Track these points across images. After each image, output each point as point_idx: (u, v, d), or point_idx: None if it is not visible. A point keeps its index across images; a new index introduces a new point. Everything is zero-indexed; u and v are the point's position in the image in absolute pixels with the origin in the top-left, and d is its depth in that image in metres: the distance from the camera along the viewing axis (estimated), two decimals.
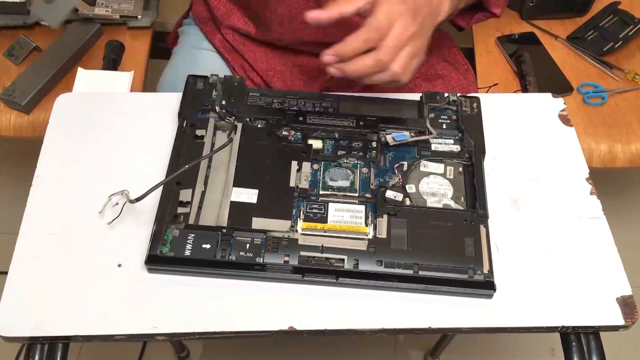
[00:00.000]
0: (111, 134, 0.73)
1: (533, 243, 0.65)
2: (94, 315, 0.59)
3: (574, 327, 0.61)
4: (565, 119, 0.76)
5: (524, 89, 1.07)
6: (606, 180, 1.32)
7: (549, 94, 0.79)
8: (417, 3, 0.64)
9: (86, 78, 0.85)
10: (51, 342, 0.60)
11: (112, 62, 0.99)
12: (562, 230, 0.67)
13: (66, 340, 0.60)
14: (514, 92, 1.08)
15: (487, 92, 1.06)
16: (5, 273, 0.61)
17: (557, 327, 0.61)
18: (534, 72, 1.08)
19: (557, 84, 1.08)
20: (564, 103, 0.78)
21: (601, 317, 0.61)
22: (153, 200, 0.65)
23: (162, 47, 1.13)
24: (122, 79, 0.85)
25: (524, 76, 1.08)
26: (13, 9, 1.06)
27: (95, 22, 1.08)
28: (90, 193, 0.67)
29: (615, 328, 0.61)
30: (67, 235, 0.64)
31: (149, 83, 1.05)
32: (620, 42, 1.13)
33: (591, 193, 0.70)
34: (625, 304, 0.62)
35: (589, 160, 0.74)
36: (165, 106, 0.75)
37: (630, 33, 1.13)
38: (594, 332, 0.63)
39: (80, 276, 0.62)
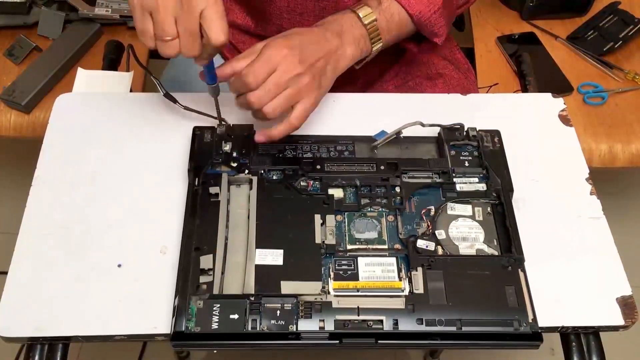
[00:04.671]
0: (111, 134, 0.73)
1: (533, 243, 0.65)
2: (94, 316, 0.59)
3: (574, 327, 0.61)
4: (565, 119, 0.76)
5: (524, 89, 1.07)
6: (606, 180, 1.32)
7: (549, 94, 0.79)
8: (307, 49, 0.66)
9: (86, 78, 0.85)
10: (51, 343, 0.60)
11: (112, 62, 0.99)
12: (562, 230, 0.67)
13: (66, 341, 0.60)
14: (514, 92, 1.08)
15: (487, 92, 1.06)
16: (5, 273, 0.61)
17: (557, 327, 0.61)
18: (534, 72, 1.08)
19: (557, 84, 1.08)
20: (564, 103, 0.78)
21: (601, 317, 0.61)
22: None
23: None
24: (122, 79, 0.85)
25: (524, 76, 1.08)
26: (13, 9, 1.06)
27: (95, 22, 1.08)
28: (90, 193, 0.67)
29: (615, 328, 0.61)
30: (67, 235, 0.64)
31: (149, 83, 1.05)
32: (620, 42, 1.13)
33: (591, 193, 0.70)
34: (625, 304, 0.62)
35: (589, 160, 0.74)
36: (165, 107, 0.75)
37: (630, 33, 1.13)
38: (594, 332, 0.62)
39: (80, 276, 0.62)
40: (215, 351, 0.72)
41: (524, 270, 0.61)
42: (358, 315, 0.58)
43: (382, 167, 0.69)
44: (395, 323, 0.58)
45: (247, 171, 0.67)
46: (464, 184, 0.68)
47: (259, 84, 0.64)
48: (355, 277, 0.61)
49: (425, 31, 0.78)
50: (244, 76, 0.64)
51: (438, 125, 0.71)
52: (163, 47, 0.59)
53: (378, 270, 0.61)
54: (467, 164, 0.69)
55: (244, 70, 0.64)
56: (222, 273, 0.61)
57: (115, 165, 0.70)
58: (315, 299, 0.59)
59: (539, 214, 0.68)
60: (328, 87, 0.71)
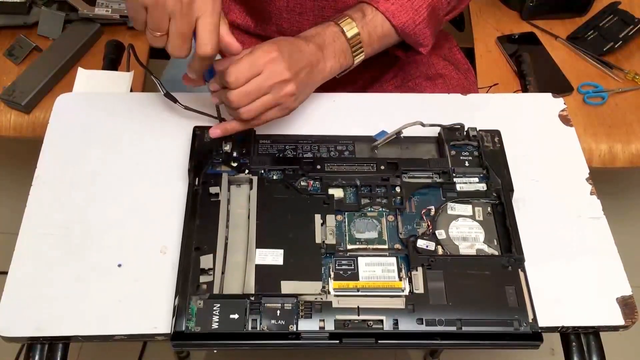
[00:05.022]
0: (111, 134, 0.73)
1: (533, 243, 0.65)
2: (93, 316, 0.59)
3: (574, 327, 0.61)
4: (565, 119, 0.76)
5: (524, 89, 1.07)
6: (606, 180, 1.32)
7: (549, 94, 0.79)
8: (293, 57, 0.66)
9: (86, 78, 0.85)
10: (51, 342, 0.60)
11: (112, 62, 0.99)
12: (562, 230, 0.67)
13: (66, 341, 0.60)
14: (514, 92, 1.08)
15: (487, 92, 1.06)
16: (5, 273, 0.61)
17: (557, 327, 0.61)
18: (534, 72, 1.08)
19: (557, 84, 1.08)
20: (564, 103, 0.78)
21: (601, 317, 0.61)
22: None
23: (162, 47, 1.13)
24: (122, 79, 0.85)
25: (524, 76, 1.08)
26: (13, 9, 1.06)
27: (95, 22, 1.08)
28: (90, 193, 0.67)
29: (615, 328, 0.61)
30: (67, 235, 0.64)
31: (149, 83, 1.05)
32: (620, 42, 1.13)
33: (591, 193, 0.70)
34: (625, 304, 0.62)
35: (589, 160, 0.74)
36: (165, 107, 0.75)
37: (630, 33, 1.13)
38: (593, 332, 0.63)
39: (80, 276, 0.62)
40: (215, 351, 0.72)
41: (524, 270, 0.61)
42: (358, 315, 0.58)
43: (382, 167, 0.69)
44: (396, 323, 0.58)
45: (247, 171, 0.67)
46: (464, 184, 0.68)
47: (239, 85, 0.64)
48: (355, 277, 0.61)
49: (410, 41, 0.77)
50: (227, 75, 0.63)
51: (438, 125, 0.71)
52: (151, 38, 0.61)
53: (378, 270, 0.61)
54: (467, 164, 0.69)
55: (229, 68, 0.64)
56: (222, 273, 0.61)
57: (115, 165, 0.70)
58: (316, 298, 0.59)
59: (539, 214, 0.68)
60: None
